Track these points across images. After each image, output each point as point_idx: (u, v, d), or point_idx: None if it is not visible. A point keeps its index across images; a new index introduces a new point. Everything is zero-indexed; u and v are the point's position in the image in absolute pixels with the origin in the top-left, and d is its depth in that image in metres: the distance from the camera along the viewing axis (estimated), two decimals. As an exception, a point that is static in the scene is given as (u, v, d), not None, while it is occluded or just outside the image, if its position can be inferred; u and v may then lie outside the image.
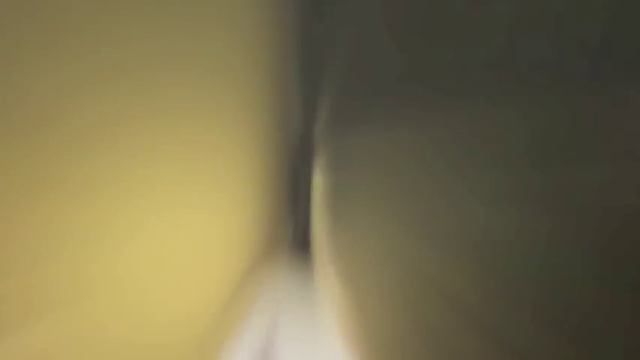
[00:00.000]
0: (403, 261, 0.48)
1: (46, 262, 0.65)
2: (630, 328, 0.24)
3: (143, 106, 0.70)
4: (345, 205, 0.64)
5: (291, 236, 0.78)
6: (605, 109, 0.26)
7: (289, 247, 0.80)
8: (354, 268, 0.61)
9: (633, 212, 0.24)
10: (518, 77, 0.36)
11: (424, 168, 0.45)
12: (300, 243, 0.76)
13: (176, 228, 0.78)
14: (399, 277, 0.49)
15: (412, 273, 0.46)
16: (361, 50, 0.67)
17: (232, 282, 0.83)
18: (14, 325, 0.64)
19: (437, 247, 0.42)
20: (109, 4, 0.62)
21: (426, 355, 0.42)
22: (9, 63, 0.57)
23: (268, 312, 0.70)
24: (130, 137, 0.70)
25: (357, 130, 0.64)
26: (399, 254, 0.50)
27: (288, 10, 0.75)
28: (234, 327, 0.84)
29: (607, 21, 0.28)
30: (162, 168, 0.74)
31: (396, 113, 0.55)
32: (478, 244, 0.36)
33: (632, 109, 0.25)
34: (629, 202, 0.24)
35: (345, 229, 0.64)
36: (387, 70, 0.59)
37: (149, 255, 0.76)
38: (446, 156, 0.41)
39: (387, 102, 0.59)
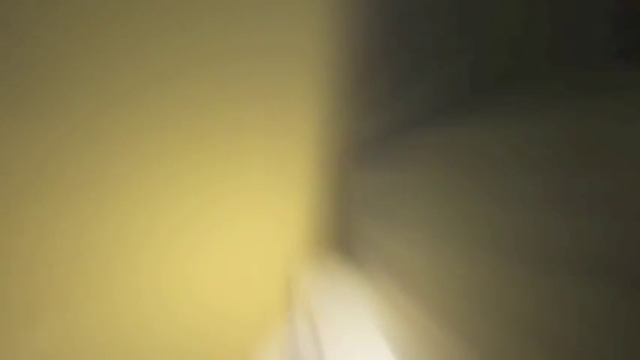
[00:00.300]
0: (450, 268, 0.48)
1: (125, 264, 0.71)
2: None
3: (205, 100, 0.74)
4: (394, 207, 0.64)
5: (338, 238, 0.78)
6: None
7: (336, 249, 0.80)
8: (400, 272, 0.60)
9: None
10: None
11: (479, 171, 0.44)
12: (347, 245, 0.76)
13: (225, 226, 0.80)
14: (446, 284, 0.48)
15: (463, 281, 0.45)
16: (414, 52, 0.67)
17: (278, 283, 0.84)
18: (63, 315, 0.69)
19: (490, 255, 0.41)
20: (187, 3, 0.66)
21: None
22: (93, 63, 0.63)
23: (312, 313, 0.71)
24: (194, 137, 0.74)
25: (411, 130, 0.63)
26: (446, 260, 0.49)
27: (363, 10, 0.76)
28: (279, 328, 0.85)
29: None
30: (217, 167, 0.77)
31: (452, 115, 0.55)
32: (533, 251, 0.35)
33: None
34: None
35: (392, 231, 0.63)
36: (445, 72, 0.59)
37: (197, 256, 0.79)
38: (503, 159, 0.40)
39: (442, 103, 0.58)
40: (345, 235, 0.83)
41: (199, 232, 0.76)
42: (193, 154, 0.73)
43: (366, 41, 0.74)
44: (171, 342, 0.77)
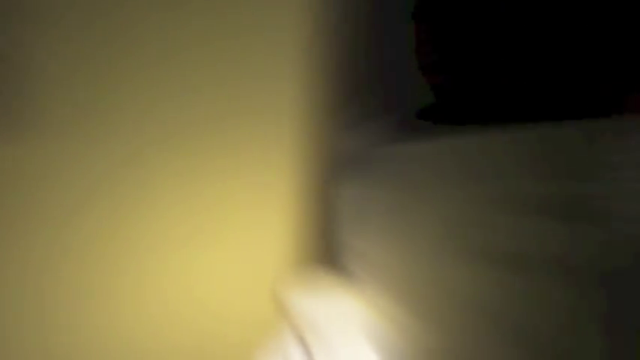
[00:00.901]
0: (434, 274, 0.49)
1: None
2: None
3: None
4: (377, 218, 0.65)
5: (324, 249, 0.79)
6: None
7: (322, 260, 0.82)
8: (385, 282, 0.61)
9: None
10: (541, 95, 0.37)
11: (454, 180, 0.46)
12: (332, 256, 0.77)
13: (213, 241, 0.82)
14: (431, 291, 0.50)
15: (447, 288, 0.46)
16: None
17: (266, 295, 0.85)
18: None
19: (467, 260, 0.43)
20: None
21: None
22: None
23: (300, 322, 0.71)
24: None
25: (386, 146, 0.65)
26: (430, 267, 0.50)
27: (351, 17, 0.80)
28: (269, 339, 0.85)
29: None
30: (215, 186, 0.81)
31: (427, 127, 0.57)
32: (509, 255, 0.36)
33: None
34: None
35: (376, 241, 0.65)
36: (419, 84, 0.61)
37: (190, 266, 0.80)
38: (475, 168, 0.42)
39: (413, 124, 0.61)
40: (330, 246, 0.84)
41: (198, 244, 0.81)
42: (194, 171, 0.78)
43: (352, 62, 0.77)
44: (174, 343, 0.81)
